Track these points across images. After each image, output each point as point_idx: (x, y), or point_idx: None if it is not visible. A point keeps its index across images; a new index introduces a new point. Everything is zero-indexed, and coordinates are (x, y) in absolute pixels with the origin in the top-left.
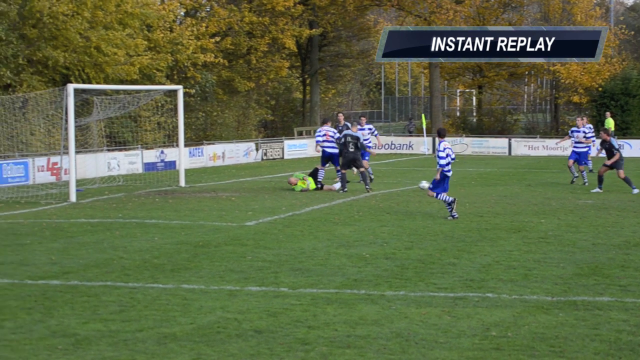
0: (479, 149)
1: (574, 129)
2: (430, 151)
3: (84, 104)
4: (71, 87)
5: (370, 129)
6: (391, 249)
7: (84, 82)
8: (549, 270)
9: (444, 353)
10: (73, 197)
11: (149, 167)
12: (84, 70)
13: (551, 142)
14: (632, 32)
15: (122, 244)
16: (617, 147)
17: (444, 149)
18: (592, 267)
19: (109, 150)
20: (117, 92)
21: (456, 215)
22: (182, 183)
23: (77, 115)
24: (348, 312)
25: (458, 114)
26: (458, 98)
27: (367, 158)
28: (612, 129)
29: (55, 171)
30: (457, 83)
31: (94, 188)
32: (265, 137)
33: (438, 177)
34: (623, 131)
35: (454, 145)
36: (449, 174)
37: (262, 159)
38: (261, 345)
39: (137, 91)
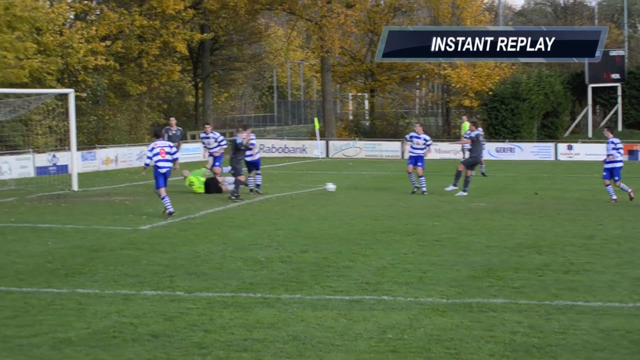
0: (372, 153)
1: (413, 133)
2: (324, 154)
3: None
4: None
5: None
6: (287, 252)
7: None
8: (444, 273)
9: (340, 355)
10: None
11: (41, 171)
12: None
13: (443, 146)
14: None
15: (15, 248)
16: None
17: (152, 148)
18: (485, 269)
19: None
20: (7, 95)
21: (171, 210)
22: (75, 187)
23: None
24: (244, 316)
25: (351, 117)
26: (350, 102)
27: (217, 164)
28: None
29: None
30: (349, 87)
31: None
32: None
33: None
34: (514, 134)
35: (348, 149)
36: (162, 170)
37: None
38: (158, 350)
39: (28, 95)
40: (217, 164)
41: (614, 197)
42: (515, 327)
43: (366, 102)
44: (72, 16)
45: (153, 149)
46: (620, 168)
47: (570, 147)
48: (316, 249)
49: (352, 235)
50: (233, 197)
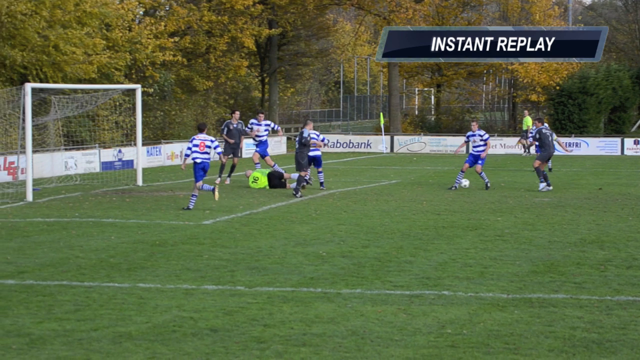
0: (437, 148)
1: (469, 132)
2: (389, 150)
3: (41, 103)
4: (29, 87)
5: (267, 124)
6: (348, 247)
7: (41, 81)
8: (505, 268)
9: (399, 350)
10: (29, 197)
11: (106, 166)
12: (42, 70)
13: (509, 141)
14: None
15: (79, 243)
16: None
17: (192, 139)
18: (547, 264)
19: (66, 149)
20: (75, 91)
21: (190, 207)
22: (140, 182)
23: (35, 114)
24: (304, 311)
25: (416, 112)
26: (417, 97)
27: (258, 150)
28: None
29: (11, 170)
30: (416, 82)
31: (50, 187)
32: None
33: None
34: (580, 129)
35: (413, 144)
36: (198, 160)
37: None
38: (217, 344)
39: (95, 90)
40: (258, 149)
41: None
42: (576, 322)
43: (432, 96)
44: (141, 12)
45: (193, 139)
46: None
47: (637, 142)
48: (377, 244)
49: (413, 230)
50: (298, 195)
